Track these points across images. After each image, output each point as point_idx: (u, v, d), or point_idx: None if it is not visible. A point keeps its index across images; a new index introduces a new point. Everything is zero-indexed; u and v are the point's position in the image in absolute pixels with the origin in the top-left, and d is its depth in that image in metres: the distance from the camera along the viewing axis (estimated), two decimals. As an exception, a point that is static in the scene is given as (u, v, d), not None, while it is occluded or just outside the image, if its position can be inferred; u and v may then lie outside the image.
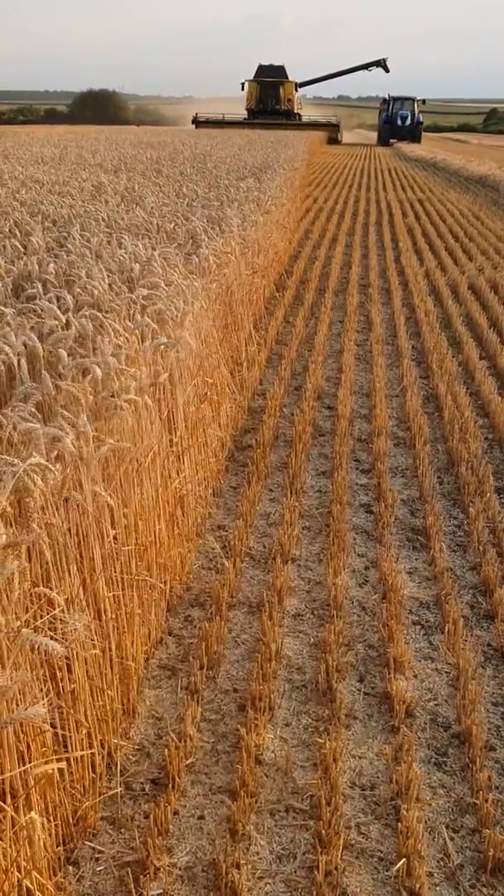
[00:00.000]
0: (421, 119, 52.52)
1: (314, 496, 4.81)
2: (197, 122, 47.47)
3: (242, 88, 49.81)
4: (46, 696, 2.24)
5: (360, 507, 4.70)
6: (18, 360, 3.15)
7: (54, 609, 2.26)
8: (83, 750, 2.56)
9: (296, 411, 5.98)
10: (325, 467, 5.19)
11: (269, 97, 49.27)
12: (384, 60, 54.62)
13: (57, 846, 2.43)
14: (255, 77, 50.19)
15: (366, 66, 55.36)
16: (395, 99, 51.72)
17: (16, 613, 2.01)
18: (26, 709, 1.91)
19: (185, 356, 3.96)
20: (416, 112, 51.57)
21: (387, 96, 52.40)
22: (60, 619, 2.28)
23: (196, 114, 48.80)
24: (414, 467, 5.17)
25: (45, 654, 2.05)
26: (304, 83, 54.93)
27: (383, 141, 51.54)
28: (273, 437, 5.54)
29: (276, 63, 50.96)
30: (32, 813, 1.97)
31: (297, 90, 51.34)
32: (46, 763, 2.17)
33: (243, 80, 49.77)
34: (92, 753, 2.63)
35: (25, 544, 2.12)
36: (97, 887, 2.42)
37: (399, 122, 51.25)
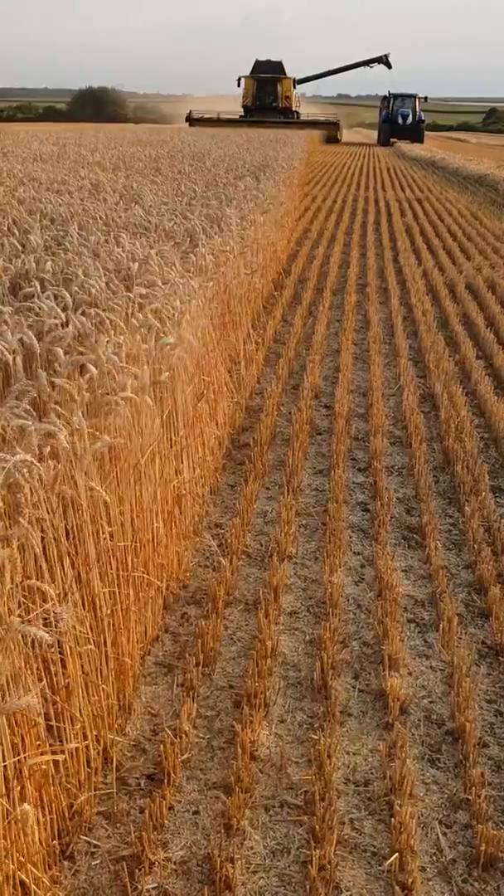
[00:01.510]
0: (423, 117, 50.22)
1: (311, 494, 4.83)
2: (191, 119, 46.00)
3: (239, 85, 48.11)
4: (41, 691, 2.25)
5: (356, 505, 4.72)
6: (14, 358, 3.16)
7: (46, 602, 2.28)
8: (78, 745, 2.58)
9: (293, 410, 5.99)
10: (323, 466, 5.20)
11: (267, 94, 47.62)
12: (386, 56, 53.26)
13: (52, 840, 2.45)
14: (251, 73, 48.49)
15: (367, 63, 53.84)
16: (396, 96, 49.41)
17: (8, 606, 2.03)
18: (18, 699, 1.93)
19: (184, 355, 3.97)
20: (418, 110, 49.27)
21: (387, 93, 50.30)
22: (53, 612, 2.29)
23: (190, 111, 47.34)
24: (410, 466, 5.19)
25: (33, 644, 2.07)
26: (303, 80, 53.57)
27: (384, 141, 49.42)
28: (270, 436, 5.56)
29: (274, 59, 49.44)
30: (25, 805, 1.98)
31: (295, 87, 49.88)
32: (41, 755, 2.19)
33: (240, 76, 48.17)
34: (87, 748, 2.65)
35: (15, 538, 2.13)
36: (92, 881, 2.44)
37: (400, 120, 48.84)
